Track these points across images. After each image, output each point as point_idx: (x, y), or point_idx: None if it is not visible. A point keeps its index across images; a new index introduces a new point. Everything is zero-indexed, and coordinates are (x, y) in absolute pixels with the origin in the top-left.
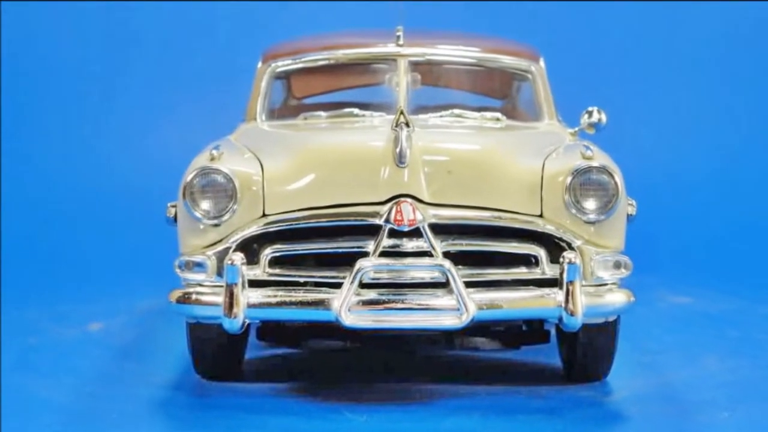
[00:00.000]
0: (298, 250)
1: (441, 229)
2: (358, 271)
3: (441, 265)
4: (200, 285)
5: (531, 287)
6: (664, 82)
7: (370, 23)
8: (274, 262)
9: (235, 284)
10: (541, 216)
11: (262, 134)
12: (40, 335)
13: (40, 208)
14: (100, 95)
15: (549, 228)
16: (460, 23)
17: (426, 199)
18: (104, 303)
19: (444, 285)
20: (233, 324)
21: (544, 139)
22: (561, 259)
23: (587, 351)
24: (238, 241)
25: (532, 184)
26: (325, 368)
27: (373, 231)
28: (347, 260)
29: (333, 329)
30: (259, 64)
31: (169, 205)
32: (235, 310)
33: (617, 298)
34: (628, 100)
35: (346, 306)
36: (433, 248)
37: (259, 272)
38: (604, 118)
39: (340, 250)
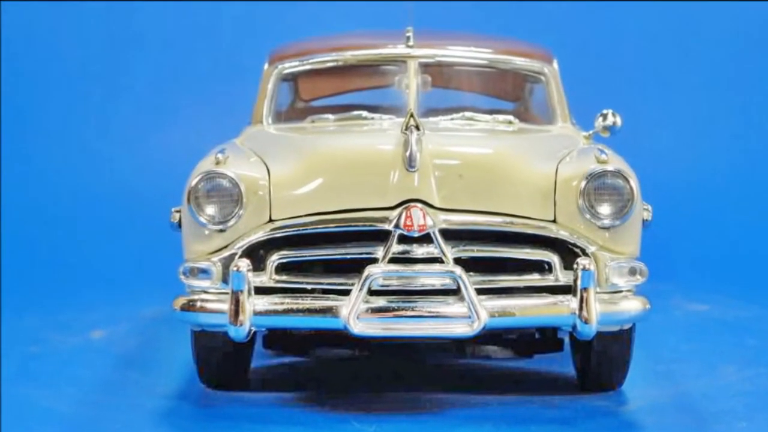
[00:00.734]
0: (305, 256)
1: (452, 235)
2: (367, 277)
3: (452, 272)
4: (205, 292)
5: (544, 294)
6: (681, 83)
7: (379, 24)
8: (281, 268)
9: (241, 291)
10: (554, 221)
11: (268, 137)
12: (41, 343)
13: (41, 211)
14: (103, 96)
15: (562, 234)
16: (471, 24)
17: (436, 204)
18: (107, 310)
19: (455, 292)
20: (239, 332)
21: (558, 142)
22: (575, 266)
23: (602, 360)
24: (244, 247)
25: (545, 189)
26: (332, 377)
27: (382, 237)
28: (356, 267)
29: (341, 337)
30: (266, 66)
31: (173, 210)
32: (240, 317)
33: (632, 305)
34: (644, 102)
35: (355, 314)
36: (444, 254)
37: (265, 279)
38: (619, 121)
39: (349, 257)
